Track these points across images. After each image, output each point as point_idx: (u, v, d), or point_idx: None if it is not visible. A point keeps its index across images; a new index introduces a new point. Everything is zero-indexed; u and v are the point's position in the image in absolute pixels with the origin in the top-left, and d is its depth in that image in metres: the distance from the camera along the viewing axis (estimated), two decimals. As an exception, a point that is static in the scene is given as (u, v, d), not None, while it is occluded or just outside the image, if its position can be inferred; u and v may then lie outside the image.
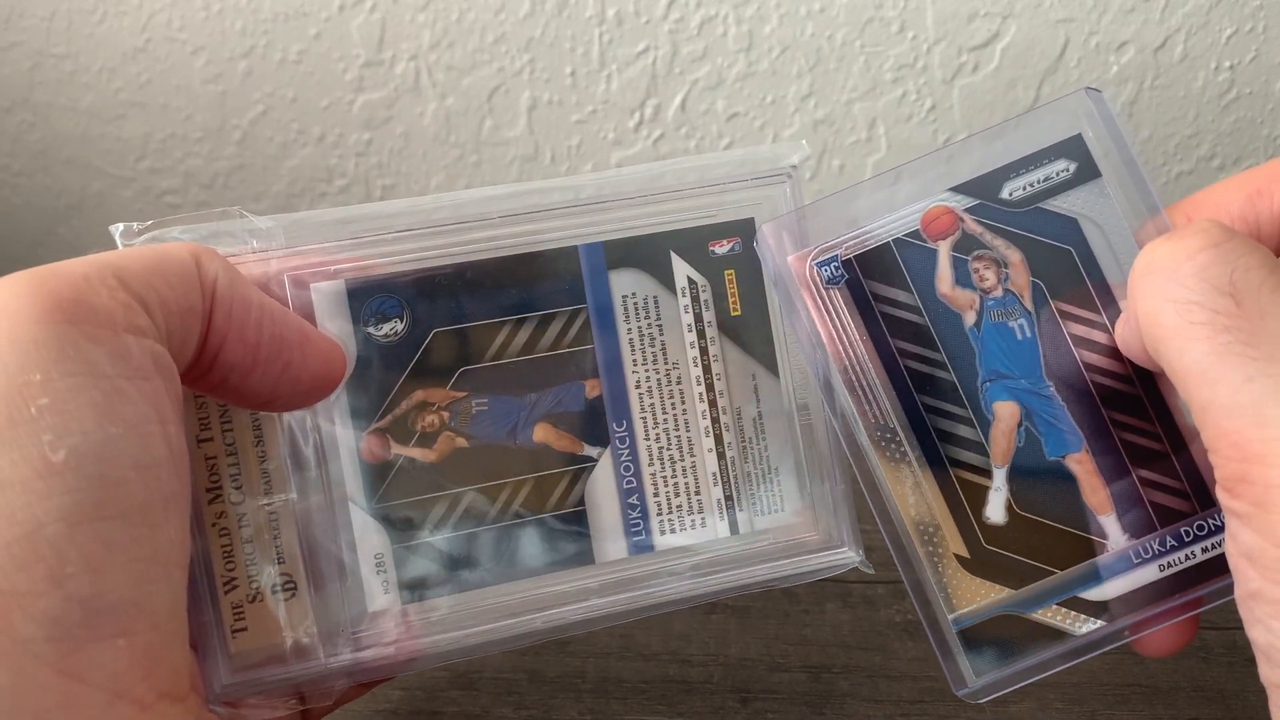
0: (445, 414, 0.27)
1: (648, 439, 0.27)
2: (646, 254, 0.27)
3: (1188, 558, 0.25)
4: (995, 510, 0.25)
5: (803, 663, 0.35)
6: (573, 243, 0.27)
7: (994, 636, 0.25)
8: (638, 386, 0.27)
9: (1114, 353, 0.25)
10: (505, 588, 0.27)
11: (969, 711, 0.33)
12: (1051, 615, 0.25)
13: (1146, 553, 0.25)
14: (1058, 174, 0.26)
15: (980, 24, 0.45)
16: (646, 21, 0.45)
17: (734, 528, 0.28)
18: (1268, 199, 0.23)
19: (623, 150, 0.48)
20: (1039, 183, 0.26)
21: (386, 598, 0.26)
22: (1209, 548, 0.25)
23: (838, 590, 0.39)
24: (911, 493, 0.25)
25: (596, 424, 0.27)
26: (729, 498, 0.28)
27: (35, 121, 0.48)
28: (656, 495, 0.27)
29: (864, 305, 0.26)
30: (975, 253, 0.26)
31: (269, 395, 0.23)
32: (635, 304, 0.27)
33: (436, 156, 0.49)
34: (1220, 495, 0.20)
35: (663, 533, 0.27)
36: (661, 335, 0.28)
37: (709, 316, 0.28)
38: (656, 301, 0.28)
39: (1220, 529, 0.25)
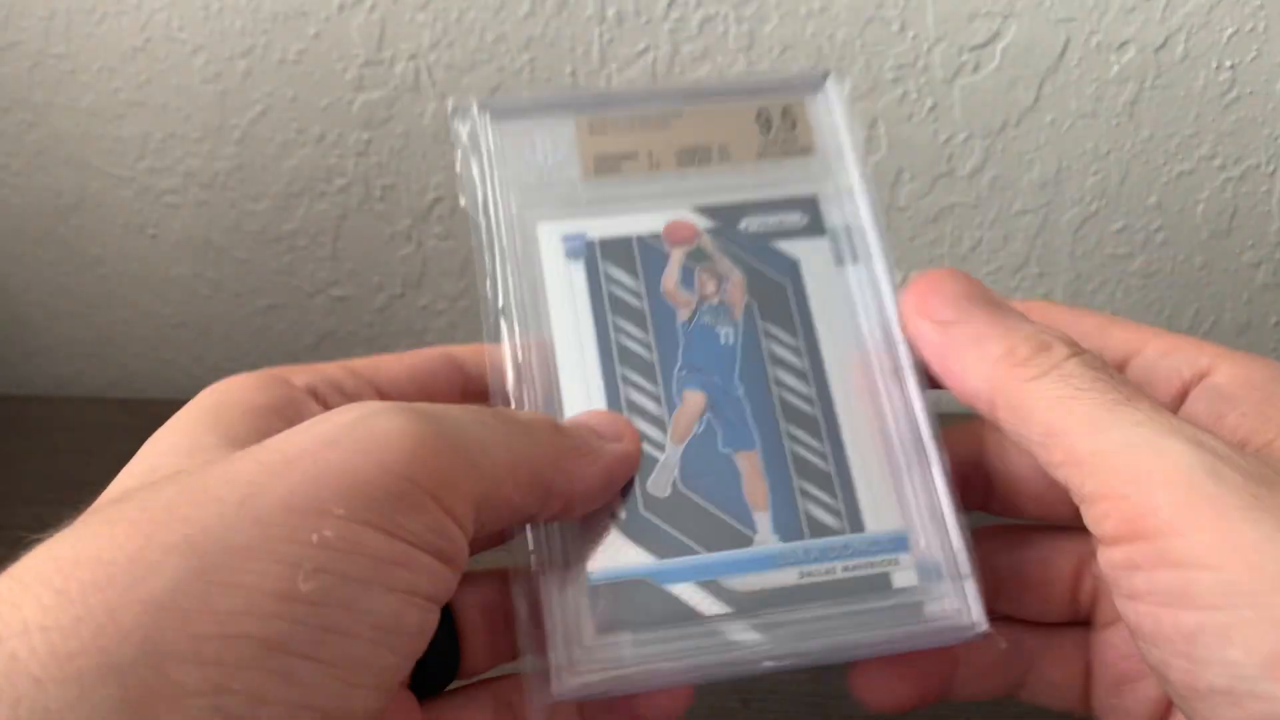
0: None
1: None
2: None
3: (828, 572, 0.26)
4: (660, 483, 0.26)
5: (803, 664, 0.35)
6: None
7: (627, 599, 0.25)
8: None
9: (802, 376, 0.28)
10: None
11: (966, 712, 0.33)
12: (686, 592, 0.25)
13: (790, 557, 0.26)
14: (791, 222, 0.30)
15: (981, 23, 0.45)
16: (646, 21, 0.45)
17: None
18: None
19: (623, 150, 0.48)
20: (773, 225, 0.30)
21: None
22: (849, 568, 0.26)
23: (838, 591, 0.38)
24: None
25: None
26: None
27: (34, 121, 0.48)
28: None
29: (594, 280, 0.28)
30: (703, 264, 0.29)
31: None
32: None
33: (436, 156, 0.48)
34: (1109, 549, 0.21)
35: None
36: None
37: None
38: None
39: (864, 553, 0.26)
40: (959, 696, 0.29)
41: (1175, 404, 0.24)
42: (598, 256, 0.29)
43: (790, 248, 0.29)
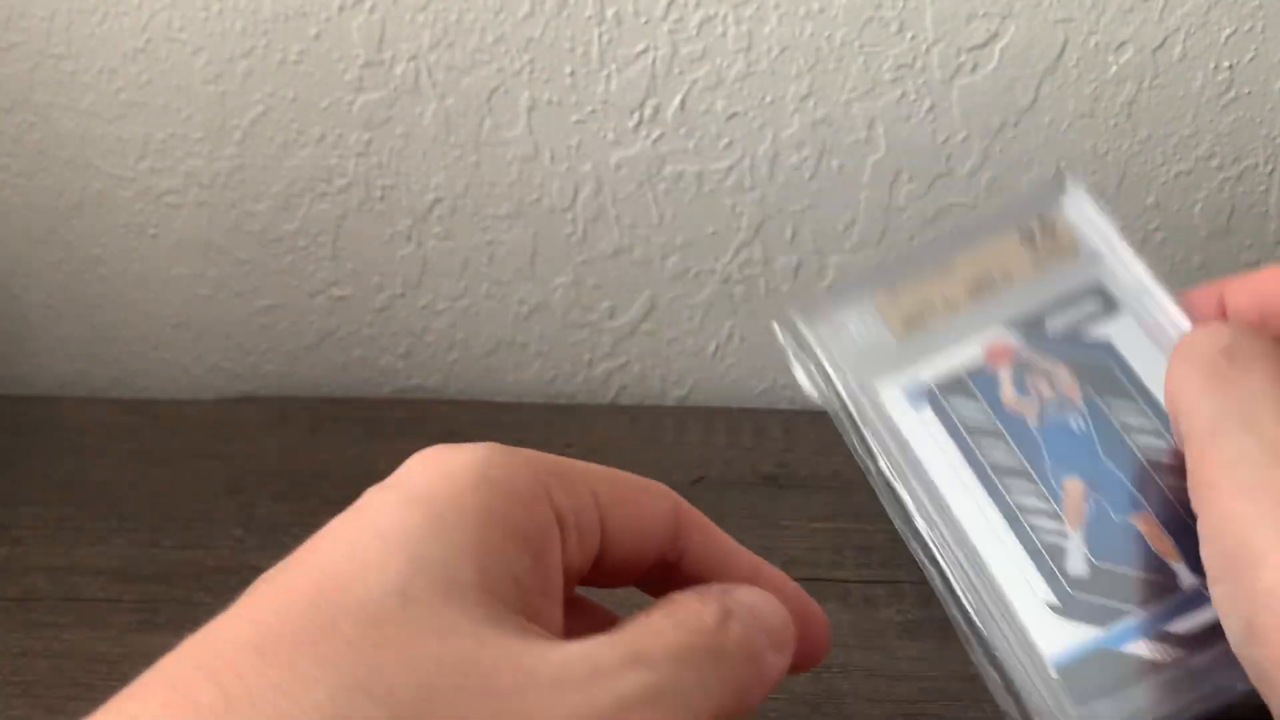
0: None
1: None
2: None
3: None
4: (1076, 565, 0.29)
5: (802, 662, 0.35)
6: None
7: (1091, 669, 0.27)
8: None
9: (1157, 432, 0.30)
10: None
11: (969, 712, 0.33)
12: (1141, 648, 0.27)
13: None
14: (1089, 310, 0.33)
15: (979, 24, 0.45)
16: (646, 21, 0.45)
17: None
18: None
19: (622, 150, 0.48)
20: (1075, 317, 0.33)
21: None
22: None
23: (838, 590, 0.39)
24: (999, 550, 0.29)
25: None
26: None
27: (36, 121, 0.49)
28: None
29: (944, 416, 0.32)
30: (1030, 372, 0.32)
31: None
32: None
33: (436, 157, 0.49)
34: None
35: None
36: None
37: None
38: None
39: None
40: None
41: None
42: (938, 395, 0.32)
43: (1098, 331, 0.32)
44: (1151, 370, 0.31)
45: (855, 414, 0.32)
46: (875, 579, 0.39)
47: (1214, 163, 0.48)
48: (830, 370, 0.33)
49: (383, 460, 0.53)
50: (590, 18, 0.45)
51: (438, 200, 0.50)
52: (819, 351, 0.34)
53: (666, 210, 0.50)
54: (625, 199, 0.49)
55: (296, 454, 0.48)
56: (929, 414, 0.32)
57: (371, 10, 0.45)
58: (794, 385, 0.54)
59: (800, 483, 0.45)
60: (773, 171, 0.49)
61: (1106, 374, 0.32)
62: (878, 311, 0.34)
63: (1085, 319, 0.33)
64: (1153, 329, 0.32)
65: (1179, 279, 0.51)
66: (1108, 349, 0.32)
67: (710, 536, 0.24)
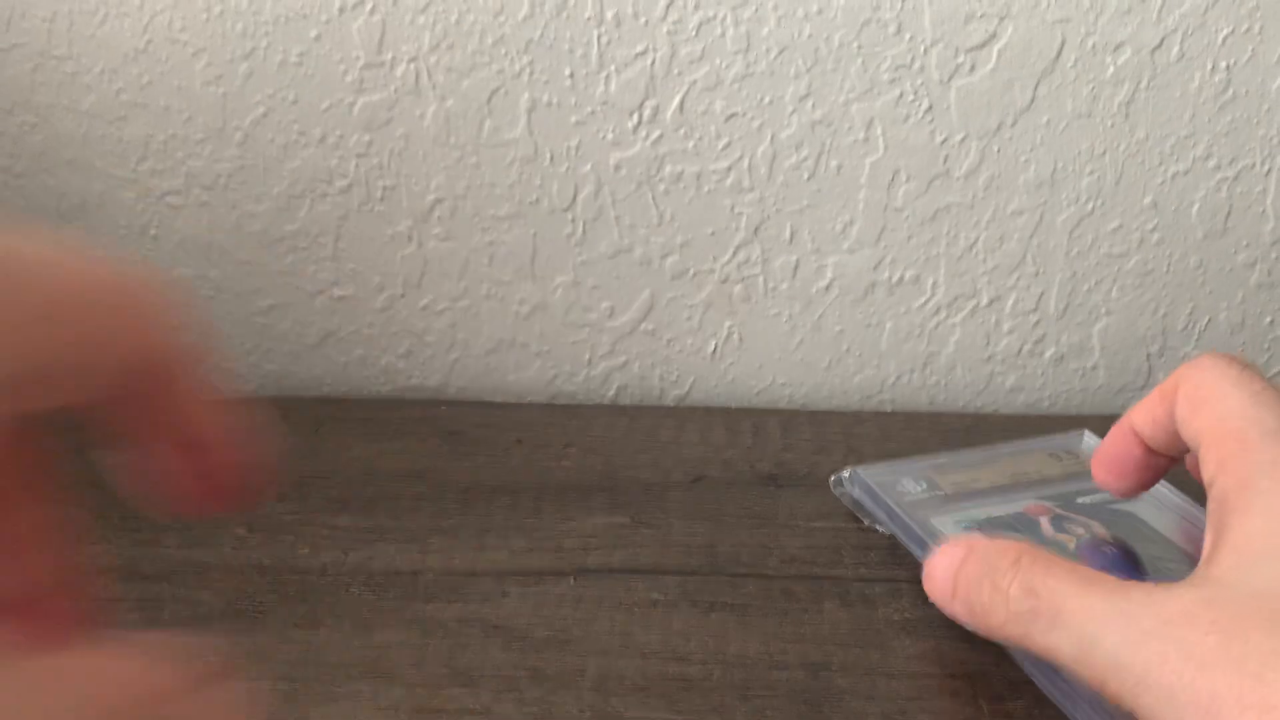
0: None
1: None
2: None
3: None
4: None
5: (801, 660, 0.36)
6: None
7: None
8: None
9: (1179, 561, 0.37)
10: None
11: (966, 710, 0.34)
12: None
13: None
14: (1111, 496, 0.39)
15: (977, 25, 0.46)
16: (645, 23, 0.46)
17: None
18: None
19: (622, 151, 0.48)
20: (1101, 497, 0.40)
21: None
22: None
23: (836, 589, 0.39)
24: None
25: None
26: None
27: (37, 123, 0.49)
28: None
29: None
30: (1067, 521, 0.39)
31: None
32: None
33: (436, 158, 0.49)
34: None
35: None
36: None
37: None
38: None
39: None
40: None
41: None
42: (986, 527, 0.39)
43: (1123, 507, 0.40)
44: (1172, 527, 0.39)
45: (920, 533, 0.38)
46: (873, 578, 0.39)
47: (1211, 163, 0.49)
48: (895, 507, 0.40)
49: (383, 460, 0.53)
50: (589, 19, 0.46)
51: (438, 201, 0.50)
52: (883, 496, 0.41)
53: (666, 210, 0.50)
54: (625, 199, 0.50)
55: (297, 454, 0.48)
56: (978, 536, 0.38)
57: (372, 12, 0.46)
58: (793, 385, 0.54)
59: (799, 482, 0.45)
60: (771, 172, 0.49)
61: (1134, 528, 0.39)
62: (930, 480, 0.42)
63: (1110, 499, 0.40)
64: (1167, 505, 0.40)
65: (1176, 279, 0.51)
66: (1132, 515, 0.39)
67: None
